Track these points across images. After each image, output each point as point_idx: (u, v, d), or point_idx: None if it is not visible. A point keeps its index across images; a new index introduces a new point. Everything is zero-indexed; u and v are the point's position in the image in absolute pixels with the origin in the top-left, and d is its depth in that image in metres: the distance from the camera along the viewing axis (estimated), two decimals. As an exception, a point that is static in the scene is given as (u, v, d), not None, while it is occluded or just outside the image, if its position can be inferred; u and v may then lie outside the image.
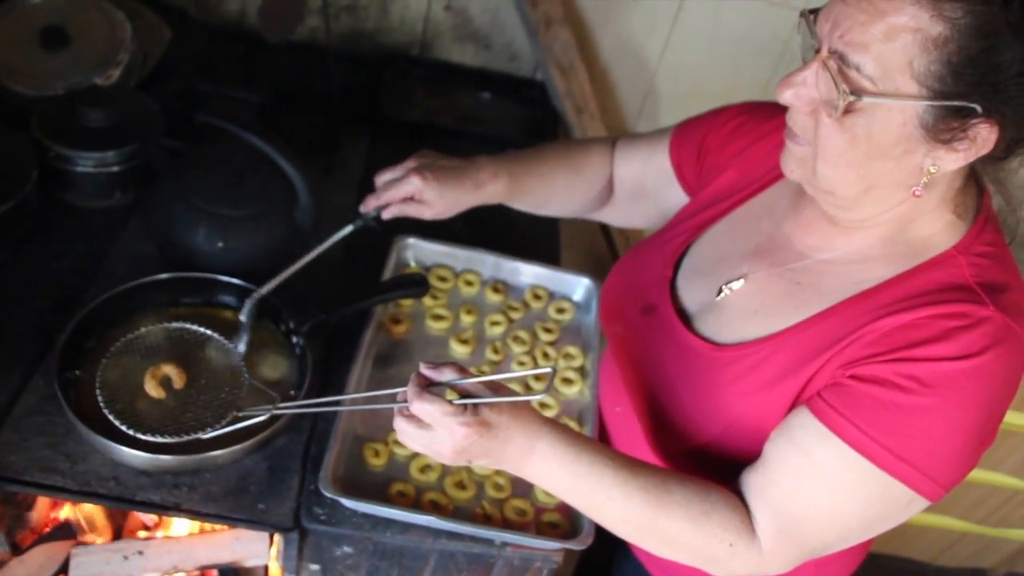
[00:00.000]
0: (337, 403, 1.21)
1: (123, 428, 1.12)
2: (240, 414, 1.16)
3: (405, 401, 0.95)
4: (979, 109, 0.85)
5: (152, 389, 1.19)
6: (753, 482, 1.01)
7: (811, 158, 0.95)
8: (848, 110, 0.88)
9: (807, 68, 0.92)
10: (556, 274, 1.57)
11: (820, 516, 0.96)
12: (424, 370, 0.96)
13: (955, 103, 0.85)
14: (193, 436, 1.13)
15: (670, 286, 1.19)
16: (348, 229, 1.32)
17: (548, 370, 0.96)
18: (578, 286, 1.57)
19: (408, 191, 1.30)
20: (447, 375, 0.95)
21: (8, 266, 1.36)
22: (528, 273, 1.57)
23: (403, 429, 0.95)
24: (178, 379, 1.21)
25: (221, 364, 1.26)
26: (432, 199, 1.30)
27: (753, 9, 1.97)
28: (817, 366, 0.98)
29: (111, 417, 1.12)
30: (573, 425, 1.35)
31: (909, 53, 0.84)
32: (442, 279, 1.52)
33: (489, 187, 1.34)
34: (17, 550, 1.30)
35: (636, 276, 1.26)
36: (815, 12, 0.93)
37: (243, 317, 1.25)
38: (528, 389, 1.38)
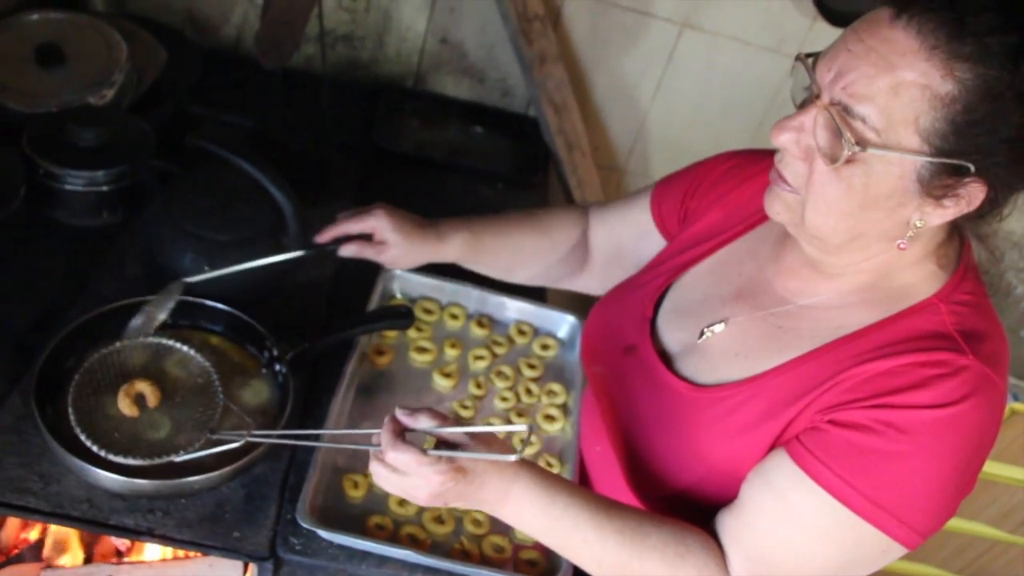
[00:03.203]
0: (312, 437, 1.20)
1: (94, 448, 1.10)
2: (214, 437, 1.15)
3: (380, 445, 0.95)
4: (973, 168, 0.86)
5: (126, 407, 1.17)
6: (728, 524, 1.00)
7: (800, 204, 0.95)
8: (848, 160, 0.88)
9: (805, 113, 0.91)
10: (541, 310, 1.57)
11: (794, 560, 0.96)
12: (400, 416, 0.96)
13: (953, 161, 0.86)
14: (166, 459, 1.12)
15: (651, 326, 1.19)
16: (298, 253, 1.30)
17: (523, 428, 0.96)
18: (563, 323, 1.57)
19: (370, 225, 1.29)
20: (423, 422, 0.95)
21: (-9, 282, 1.35)
22: (513, 308, 1.57)
23: (378, 473, 0.96)
24: (152, 397, 1.19)
25: (196, 383, 1.24)
26: (392, 240, 1.29)
27: (746, 54, 1.99)
28: (797, 410, 0.98)
29: (82, 436, 1.10)
30: (554, 463, 1.35)
31: (916, 109, 0.85)
32: (427, 311, 1.52)
33: (449, 241, 1.33)
34: (-16, 571, 1.28)
35: (617, 317, 1.26)
36: (812, 56, 0.92)
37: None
38: (507, 423, 1.37)
